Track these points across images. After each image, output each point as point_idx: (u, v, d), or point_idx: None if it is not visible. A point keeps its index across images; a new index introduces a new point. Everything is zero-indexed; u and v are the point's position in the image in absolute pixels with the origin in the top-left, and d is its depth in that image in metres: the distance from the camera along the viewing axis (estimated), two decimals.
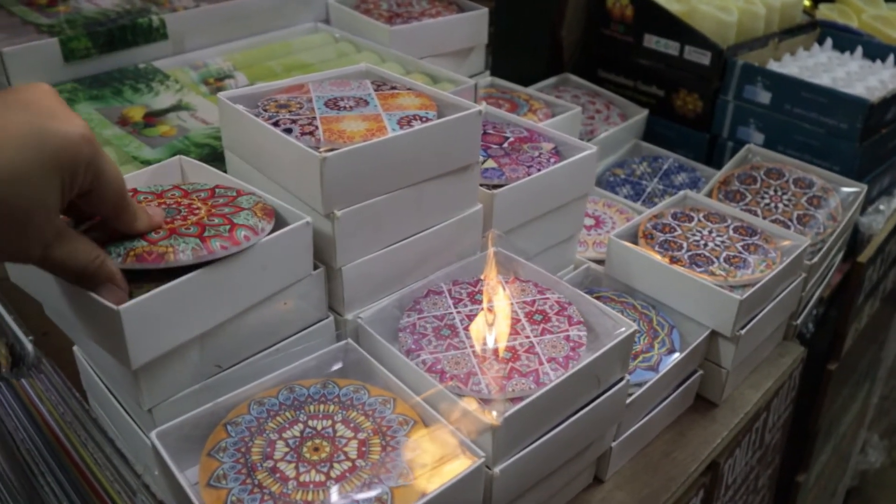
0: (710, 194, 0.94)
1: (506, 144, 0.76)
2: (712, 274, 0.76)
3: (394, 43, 0.94)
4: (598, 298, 0.73)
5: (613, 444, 0.67)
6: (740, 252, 0.79)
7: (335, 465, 0.48)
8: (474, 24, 1.01)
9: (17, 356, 0.69)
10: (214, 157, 0.71)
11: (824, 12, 1.42)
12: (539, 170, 0.71)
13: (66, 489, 0.61)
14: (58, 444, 0.63)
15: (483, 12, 1.02)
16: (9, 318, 0.73)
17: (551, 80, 1.19)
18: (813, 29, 1.29)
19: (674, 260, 0.77)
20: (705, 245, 0.80)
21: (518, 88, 1.06)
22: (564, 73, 1.21)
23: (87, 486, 0.61)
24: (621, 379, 0.62)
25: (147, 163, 0.69)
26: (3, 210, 0.41)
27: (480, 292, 0.64)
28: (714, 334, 0.75)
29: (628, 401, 0.65)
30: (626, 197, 1.02)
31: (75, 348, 0.64)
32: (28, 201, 0.41)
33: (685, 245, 0.80)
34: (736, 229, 0.83)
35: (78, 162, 0.43)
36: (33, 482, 0.59)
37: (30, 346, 0.70)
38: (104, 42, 0.86)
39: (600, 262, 0.82)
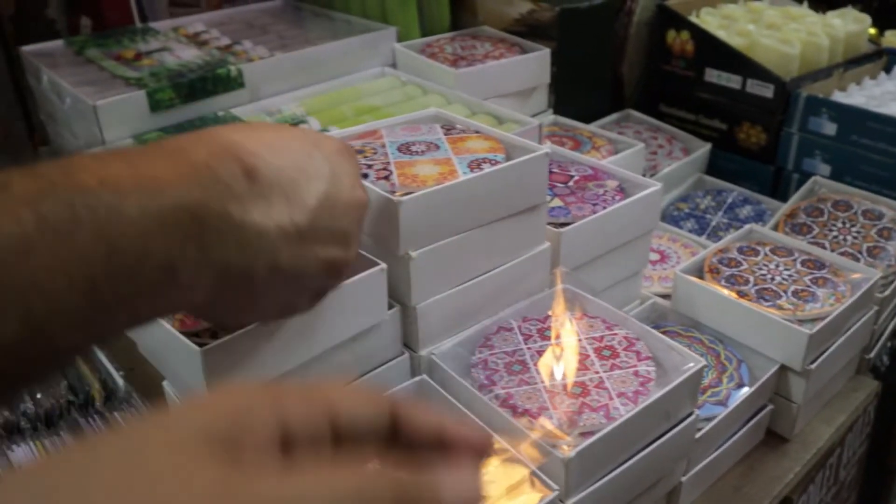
0: (775, 227, 0.94)
1: (571, 183, 0.78)
2: (780, 308, 0.76)
3: (459, 85, 0.98)
4: (664, 333, 0.74)
5: (683, 478, 0.68)
6: (809, 286, 0.79)
7: None
8: (537, 65, 1.04)
9: (110, 390, 0.73)
10: None
11: (891, 40, 1.41)
12: (604, 207, 0.73)
13: None
14: None
15: (545, 53, 1.04)
16: (101, 355, 0.77)
17: (613, 117, 1.20)
18: (879, 57, 1.28)
19: (741, 294, 0.78)
20: (772, 279, 0.80)
21: (581, 126, 1.08)
22: (626, 110, 1.22)
23: None
24: (690, 413, 0.62)
25: None
26: None
27: (549, 328, 0.65)
28: (784, 369, 0.75)
29: (698, 435, 0.66)
30: (690, 231, 1.02)
31: (165, 383, 0.68)
32: None
33: (752, 279, 0.80)
34: (804, 263, 0.83)
35: None
36: None
37: (120, 381, 0.74)
38: (187, 93, 0.92)
39: (666, 296, 0.83)
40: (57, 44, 1.07)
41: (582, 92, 1.16)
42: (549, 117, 1.09)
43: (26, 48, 1.04)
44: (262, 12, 1.22)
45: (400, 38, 1.10)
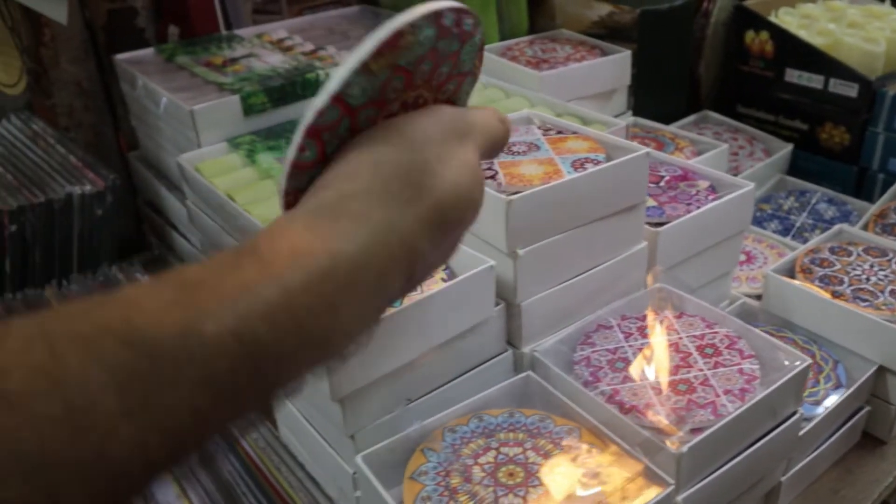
0: (865, 228, 0.93)
1: (662, 183, 0.78)
2: (877, 308, 0.75)
3: (542, 87, 0.98)
4: None
5: (783, 478, 0.67)
6: None
7: (531, 489, 0.51)
8: (618, 67, 1.04)
9: None
10: None
11: None
12: (698, 207, 0.73)
13: None
14: (255, 468, 0.68)
15: (626, 55, 1.05)
16: None
17: (691, 118, 1.20)
18: None
19: (836, 294, 0.77)
20: (867, 279, 0.79)
21: (661, 127, 1.08)
22: (704, 111, 1.21)
23: None
24: (795, 412, 0.62)
25: None
26: None
27: (649, 326, 0.66)
28: (882, 370, 0.74)
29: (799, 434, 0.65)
30: (774, 232, 1.01)
31: None
32: None
33: (846, 280, 0.79)
34: None
35: None
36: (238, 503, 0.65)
37: None
38: (278, 97, 0.94)
39: (754, 297, 0.83)
40: (147, 52, 1.11)
41: (660, 93, 1.16)
42: (629, 119, 1.09)
43: (119, 56, 1.07)
44: (342, 18, 1.25)
45: None
